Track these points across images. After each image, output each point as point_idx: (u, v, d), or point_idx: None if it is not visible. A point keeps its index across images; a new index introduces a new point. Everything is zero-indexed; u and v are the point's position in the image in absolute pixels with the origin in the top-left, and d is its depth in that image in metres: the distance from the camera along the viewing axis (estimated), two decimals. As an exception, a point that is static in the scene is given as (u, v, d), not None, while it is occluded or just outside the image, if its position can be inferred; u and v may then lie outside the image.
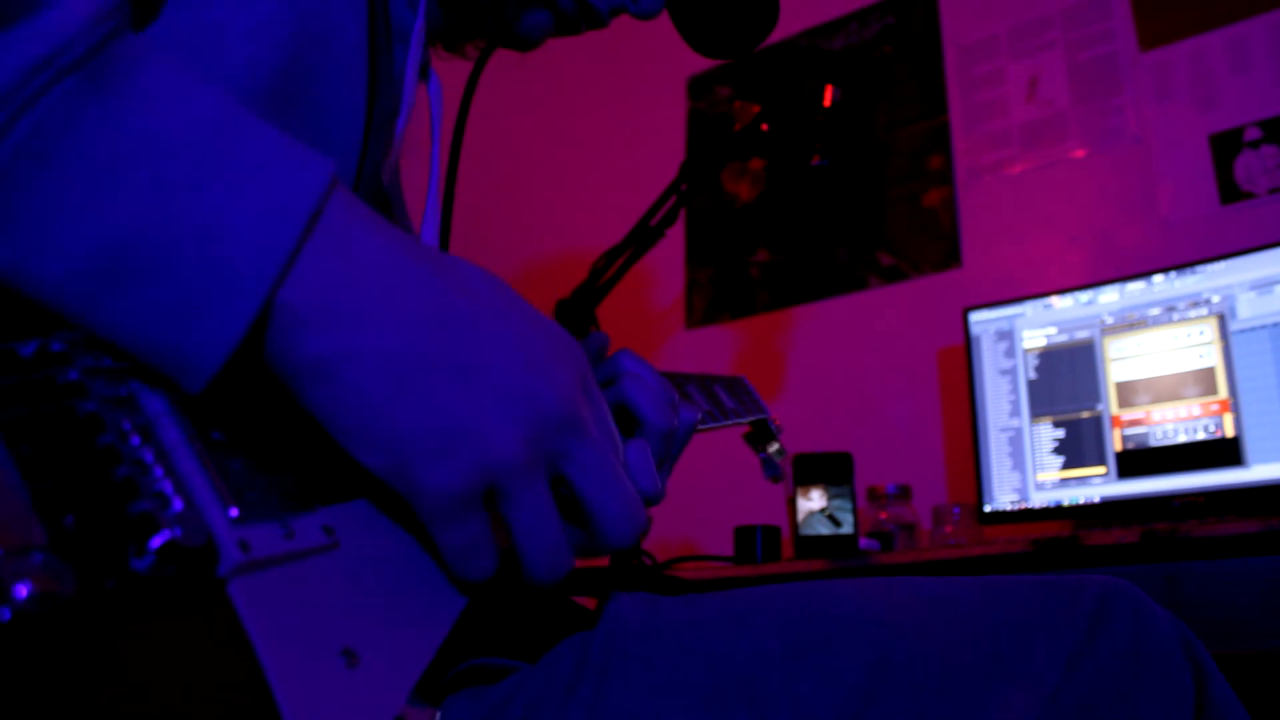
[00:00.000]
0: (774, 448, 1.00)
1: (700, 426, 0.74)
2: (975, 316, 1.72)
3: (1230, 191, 1.74)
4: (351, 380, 0.34)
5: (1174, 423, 1.49)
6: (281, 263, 0.32)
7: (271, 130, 0.34)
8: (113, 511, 0.29)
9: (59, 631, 0.26)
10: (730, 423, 0.83)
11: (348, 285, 0.34)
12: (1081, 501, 1.54)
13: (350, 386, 0.34)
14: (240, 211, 0.32)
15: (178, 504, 0.30)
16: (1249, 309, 1.46)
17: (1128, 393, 1.55)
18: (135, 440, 0.31)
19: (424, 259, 0.37)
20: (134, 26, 0.34)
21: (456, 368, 0.36)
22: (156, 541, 0.29)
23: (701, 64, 2.48)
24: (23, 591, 0.26)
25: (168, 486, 0.31)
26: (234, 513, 0.32)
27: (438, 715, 0.41)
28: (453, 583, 0.40)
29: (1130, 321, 1.57)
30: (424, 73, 0.69)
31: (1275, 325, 1.43)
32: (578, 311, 1.58)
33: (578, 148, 2.69)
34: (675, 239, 2.38)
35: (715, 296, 2.32)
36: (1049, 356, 1.63)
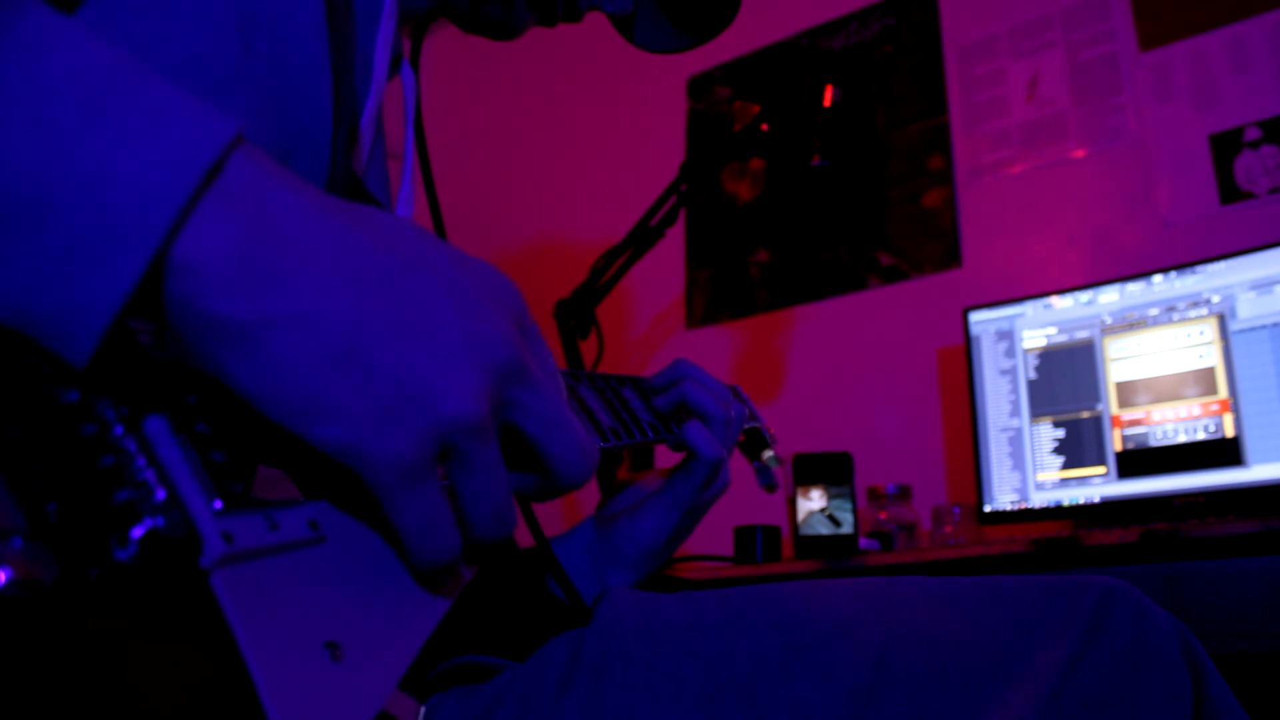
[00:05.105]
0: (768, 455, 0.97)
1: None
2: (975, 316, 1.72)
3: (1230, 191, 1.74)
4: (280, 349, 0.32)
5: (1174, 423, 1.48)
6: (172, 214, 0.30)
7: (170, 85, 0.32)
8: (96, 500, 0.29)
9: (39, 619, 0.26)
10: None
11: (262, 244, 0.32)
12: (1081, 501, 1.53)
13: (280, 357, 0.32)
14: (129, 157, 0.30)
15: (161, 494, 0.30)
16: (1249, 309, 1.46)
17: (1128, 393, 1.54)
18: (119, 429, 0.31)
19: (341, 213, 0.35)
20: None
21: (391, 326, 0.34)
22: (139, 531, 0.29)
23: (701, 64, 2.48)
24: (2, 576, 0.25)
25: (151, 476, 0.30)
26: (218, 504, 0.32)
27: (423, 712, 0.40)
28: (422, 583, 0.38)
29: (1130, 321, 1.57)
30: (396, 64, 0.67)
31: (1275, 325, 1.43)
32: (578, 311, 1.58)
33: (578, 148, 2.68)
34: (675, 239, 2.38)
35: (715, 296, 2.31)
36: (1049, 356, 1.63)
